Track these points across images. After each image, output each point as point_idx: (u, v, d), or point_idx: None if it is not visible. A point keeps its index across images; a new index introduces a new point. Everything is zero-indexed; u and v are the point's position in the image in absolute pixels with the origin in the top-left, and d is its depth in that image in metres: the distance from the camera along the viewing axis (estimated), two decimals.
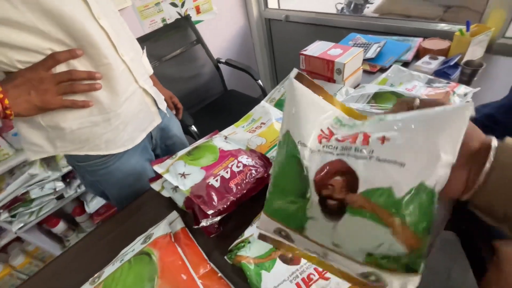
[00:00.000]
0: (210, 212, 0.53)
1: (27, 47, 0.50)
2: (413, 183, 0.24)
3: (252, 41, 2.00)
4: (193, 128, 1.33)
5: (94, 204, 1.39)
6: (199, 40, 1.58)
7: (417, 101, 0.30)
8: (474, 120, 0.58)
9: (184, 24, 1.54)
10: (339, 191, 0.26)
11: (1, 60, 0.51)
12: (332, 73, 0.88)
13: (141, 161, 0.80)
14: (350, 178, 0.26)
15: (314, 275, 0.46)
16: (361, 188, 0.25)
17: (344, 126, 0.31)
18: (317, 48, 0.94)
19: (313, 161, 0.29)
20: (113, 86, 0.63)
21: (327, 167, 0.28)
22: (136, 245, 0.58)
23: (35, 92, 0.52)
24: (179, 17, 1.53)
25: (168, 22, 1.51)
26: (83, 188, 1.34)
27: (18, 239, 1.33)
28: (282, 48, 1.99)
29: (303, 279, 0.46)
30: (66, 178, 1.30)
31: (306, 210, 0.28)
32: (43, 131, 0.60)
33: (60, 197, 1.28)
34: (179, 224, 0.62)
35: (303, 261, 0.48)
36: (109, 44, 0.61)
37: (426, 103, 0.29)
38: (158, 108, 0.81)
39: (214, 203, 0.55)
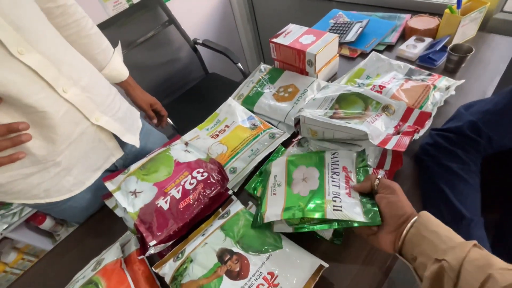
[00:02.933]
0: (152, 243, 0.50)
1: None
2: None
3: (234, 17, 1.83)
4: (169, 121, 1.27)
5: None
6: (172, 20, 1.45)
7: (377, 181, 0.44)
8: (455, 128, 0.51)
9: (153, 3, 1.39)
10: None
11: None
12: (304, 64, 0.79)
13: (102, 189, 0.66)
14: None
15: (264, 285, 0.44)
16: None
17: None
18: (289, 34, 0.83)
19: None
20: (50, 135, 0.51)
21: None
22: (87, 271, 0.56)
23: None
24: None
25: (135, 2, 1.37)
26: None
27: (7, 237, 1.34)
28: (266, 23, 1.83)
29: None
30: None
31: None
32: None
33: None
34: (133, 245, 0.59)
35: (250, 273, 0.46)
36: (42, 85, 0.48)
37: (383, 185, 0.43)
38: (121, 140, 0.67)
39: (159, 233, 0.51)
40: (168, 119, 1.27)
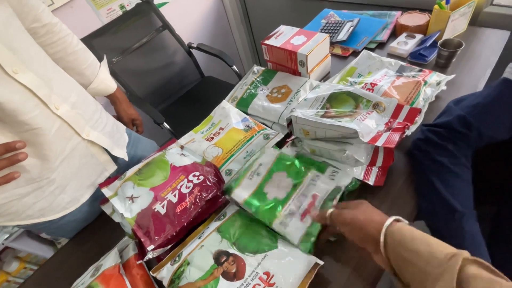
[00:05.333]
0: (150, 247, 0.50)
1: None
2: None
3: (227, 19, 1.84)
4: (165, 125, 1.28)
5: None
6: (166, 26, 1.45)
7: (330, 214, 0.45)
8: (445, 123, 0.52)
9: (146, 9, 1.40)
10: None
11: None
12: (296, 65, 0.80)
13: (99, 199, 0.68)
14: None
15: (260, 285, 0.45)
16: None
17: None
18: (280, 35, 0.84)
19: None
20: (43, 153, 0.52)
21: None
22: (86, 278, 0.57)
23: None
24: (140, 1, 1.39)
25: (128, 8, 1.38)
26: None
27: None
28: (260, 24, 1.84)
29: None
30: None
31: None
32: None
33: None
34: (131, 250, 0.60)
35: (246, 274, 0.47)
36: (36, 102, 0.49)
37: (335, 221, 0.44)
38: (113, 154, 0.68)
39: (156, 237, 0.52)
40: (165, 123, 1.28)
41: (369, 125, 0.52)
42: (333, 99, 0.60)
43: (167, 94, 1.57)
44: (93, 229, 0.71)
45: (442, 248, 0.32)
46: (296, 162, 0.56)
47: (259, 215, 0.51)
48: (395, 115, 0.56)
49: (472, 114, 0.50)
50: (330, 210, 0.45)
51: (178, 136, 0.82)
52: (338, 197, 0.51)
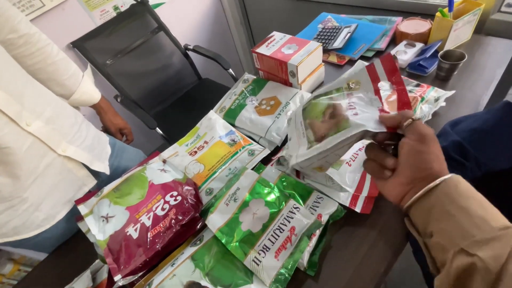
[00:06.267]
0: (117, 277, 0.48)
1: None
2: None
3: (226, 20, 1.80)
4: (158, 130, 1.25)
5: None
6: (161, 27, 1.42)
7: (409, 121, 0.35)
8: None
9: (141, 10, 1.37)
10: None
11: None
12: (287, 75, 0.75)
13: (77, 214, 0.65)
14: None
15: None
16: None
17: None
18: (272, 43, 0.80)
19: None
20: (14, 172, 0.50)
21: None
22: None
23: None
24: (134, 2, 1.36)
25: (122, 9, 1.35)
26: None
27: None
28: (260, 25, 1.79)
29: None
30: None
31: None
32: None
33: None
34: (105, 272, 0.57)
35: None
36: (5, 121, 0.47)
37: (413, 129, 0.34)
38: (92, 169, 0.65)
39: (126, 266, 0.49)
40: (157, 129, 1.26)
41: (367, 112, 0.39)
42: (306, 112, 0.52)
43: (162, 96, 1.55)
44: (72, 245, 0.69)
45: (499, 217, 0.27)
46: (276, 190, 0.52)
47: (230, 249, 0.48)
48: (374, 79, 0.42)
49: (469, 140, 0.45)
50: (418, 116, 0.38)
51: (172, 141, 0.78)
52: (317, 232, 0.47)
